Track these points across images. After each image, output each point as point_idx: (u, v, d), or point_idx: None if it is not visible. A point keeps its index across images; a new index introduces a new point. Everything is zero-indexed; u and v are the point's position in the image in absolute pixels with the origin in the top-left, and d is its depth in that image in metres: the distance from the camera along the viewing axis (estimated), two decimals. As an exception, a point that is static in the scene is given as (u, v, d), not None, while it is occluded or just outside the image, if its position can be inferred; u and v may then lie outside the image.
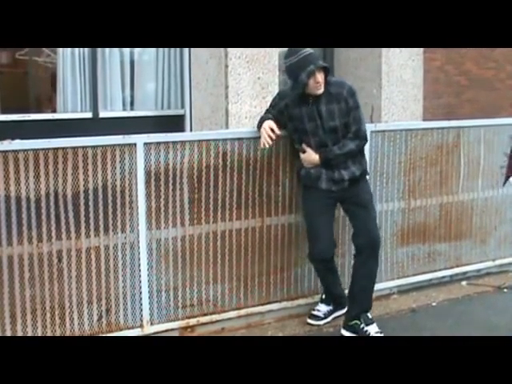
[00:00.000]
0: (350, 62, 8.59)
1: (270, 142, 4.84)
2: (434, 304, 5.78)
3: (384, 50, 8.34)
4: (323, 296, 5.31)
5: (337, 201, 5.05)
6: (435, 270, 6.13)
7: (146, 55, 7.75)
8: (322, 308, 5.28)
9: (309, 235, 5.06)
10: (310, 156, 4.91)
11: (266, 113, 5.04)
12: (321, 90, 4.78)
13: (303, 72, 4.66)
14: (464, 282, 6.26)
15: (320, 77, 4.74)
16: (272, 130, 4.83)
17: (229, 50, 7.18)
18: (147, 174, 4.69)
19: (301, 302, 5.41)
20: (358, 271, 5.06)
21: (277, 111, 4.96)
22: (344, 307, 5.27)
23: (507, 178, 4.23)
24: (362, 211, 5.01)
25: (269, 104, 5.16)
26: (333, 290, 5.26)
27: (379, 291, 5.74)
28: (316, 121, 4.84)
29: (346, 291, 5.32)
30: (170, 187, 4.80)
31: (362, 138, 4.94)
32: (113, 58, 7.43)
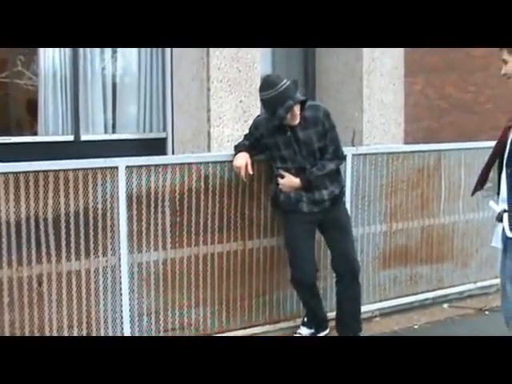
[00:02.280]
0: (332, 85, 8.64)
1: (246, 178, 4.89)
2: (416, 327, 5.78)
3: (365, 73, 8.40)
4: (305, 319, 5.30)
5: (318, 223, 5.06)
6: (417, 293, 6.14)
7: (127, 78, 7.76)
8: (304, 331, 5.27)
9: (292, 261, 5.04)
10: (290, 180, 4.91)
11: (244, 138, 5.05)
12: (297, 121, 4.80)
13: (281, 107, 4.65)
14: (446, 305, 6.27)
15: (297, 109, 4.75)
16: (246, 166, 4.85)
17: (211, 73, 7.20)
18: (129, 197, 4.67)
19: (283, 325, 5.39)
20: (342, 297, 5.11)
21: (254, 139, 4.97)
22: (326, 329, 5.29)
23: (476, 189, 4.31)
24: (341, 235, 5.04)
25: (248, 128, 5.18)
26: (318, 314, 5.26)
27: (361, 314, 5.73)
28: (293, 147, 4.85)
29: (329, 314, 5.33)
30: (152, 210, 4.78)
31: (340, 157, 5.01)
32: (94, 80, 7.43)
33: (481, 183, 4.30)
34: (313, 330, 5.27)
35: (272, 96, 4.67)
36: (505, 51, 3.96)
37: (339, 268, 5.08)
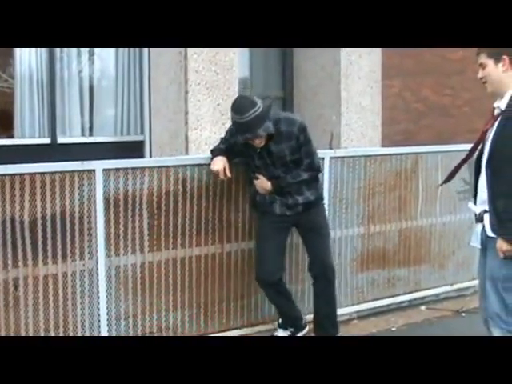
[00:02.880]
0: (309, 88, 8.65)
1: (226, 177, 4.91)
2: (393, 329, 5.80)
3: (343, 77, 8.43)
4: (280, 321, 5.31)
5: (291, 225, 5.09)
6: (395, 295, 6.16)
7: (105, 80, 7.72)
8: (280, 333, 5.27)
9: (256, 258, 5.10)
10: (263, 183, 4.94)
11: (220, 142, 5.04)
12: (261, 145, 4.79)
13: (241, 136, 4.69)
14: (423, 307, 6.30)
15: (259, 140, 4.75)
16: (224, 170, 4.86)
17: (189, 76, 7.19)
18: (106, 200, 4.65)
19: (261, 328, 5.39)
20: (317, 299, 5.15)
21: (229, 144, 4.96)
22: (303, 329, 5.30)
23: (447, 179, 4.43)
24: (316, 238, 5.06)
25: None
26: (288, 313, 5.27)
27: (339, 316, 5.73)
28: (265, 159, 4.87)
29: (308, 316, 5.33)
30: (130, 213, 4.76)
31: (315, 169, 4.99)
32: (71, 83, 7.39)
33: (449, 177, 4.42)
34: (289, 332, 5.27)
35: (235, 121, 4.71)
36: (482, 55, 3.99)
37: (314, 271, 5.12)
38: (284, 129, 4.81)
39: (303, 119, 4.99)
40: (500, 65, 3.94)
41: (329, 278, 5.09)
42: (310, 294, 5.44)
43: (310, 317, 5.36)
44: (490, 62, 3.96)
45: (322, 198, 5.16)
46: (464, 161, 4.30)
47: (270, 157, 4.85)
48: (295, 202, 4.95)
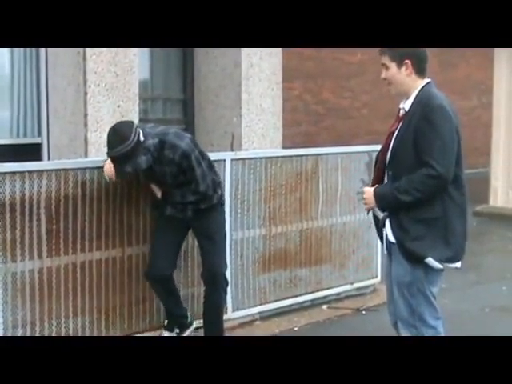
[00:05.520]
0: (210, 90, 8.65)
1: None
2: (296, 329, 5.86)
3: (244, 79, 8.46)
4: (165, 322, 5.30)
5: (185, 227, 5.08)
6: (296, 295, 6.22)
7: (-1, 81, 7.50)
8: (167, 335, 5.26)
9: (149, 255, 5.11)
10: (155, 189, 5.02)
11: None
12: None
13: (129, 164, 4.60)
14: (324, 306, 6.39)
15: None
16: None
17: (88, 77, 7.06)
18: (2, 204, 4.52)
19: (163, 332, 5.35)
20: (204, 304, 5.15)
21: None
22: (188, 327, 5.30)
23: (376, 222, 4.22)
24: (207, 243, 5.05)
25: None
26: (174, 311, 5.26)
27: (242, 318, 5.78)
28: (151, 177, 4.90)
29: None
30: (27, 218, 4.64)
31: (201, 194, 4.88)
32: (-36, 84, 7.15)
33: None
34: (174, 334, 5.27)
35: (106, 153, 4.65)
36: (386, 56, 3.94)
37: (203, 276, 5.12)
38: (166, 153, 4.71)
39: (191, 141, 4.83)
40: (403, 69, 3.91)
41: (215, 285, 5.06)
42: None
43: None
44: (392, 65, 3.92)
45: (218, 204, 5.06)
46: (379, 168, 4.12)
47: (155, 175, 4.85)
48: (184, 208, 4.93)
